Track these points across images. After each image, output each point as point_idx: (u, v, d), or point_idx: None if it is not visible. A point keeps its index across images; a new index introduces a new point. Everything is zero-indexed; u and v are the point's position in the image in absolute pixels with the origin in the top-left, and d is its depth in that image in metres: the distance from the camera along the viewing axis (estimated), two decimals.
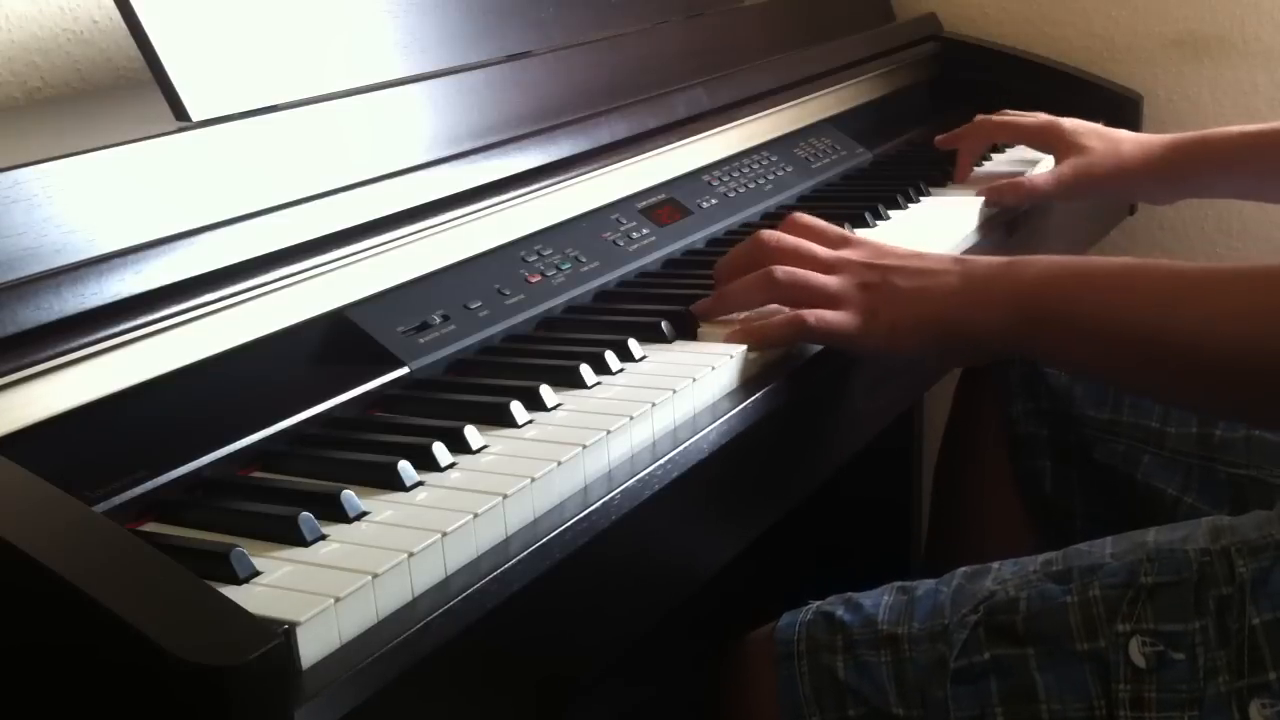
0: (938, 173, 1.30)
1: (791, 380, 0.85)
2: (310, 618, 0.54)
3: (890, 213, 1.17)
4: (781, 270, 0.87)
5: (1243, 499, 1.00)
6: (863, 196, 1.21)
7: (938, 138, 1.33)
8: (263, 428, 0.71)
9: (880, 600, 0.83)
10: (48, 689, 0.53)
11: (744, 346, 0.84)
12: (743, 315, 0.90)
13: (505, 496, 0.64)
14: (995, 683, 0.77)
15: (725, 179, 1.18)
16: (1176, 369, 0.78)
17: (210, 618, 0.50)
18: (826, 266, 0.87)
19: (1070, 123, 1.24)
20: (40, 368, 0.64)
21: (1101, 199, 1.22)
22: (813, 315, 0.85)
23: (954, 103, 1.55)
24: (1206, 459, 1.04)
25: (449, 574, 0.61)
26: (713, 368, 0.81)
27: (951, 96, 1.60)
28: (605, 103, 1.08)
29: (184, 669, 0.48)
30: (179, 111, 0.79)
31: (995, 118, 1.29)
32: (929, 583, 0.84)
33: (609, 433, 0.72)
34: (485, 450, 0.71)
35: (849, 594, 0.85)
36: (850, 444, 0.96)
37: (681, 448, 0.74)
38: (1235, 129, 1.19)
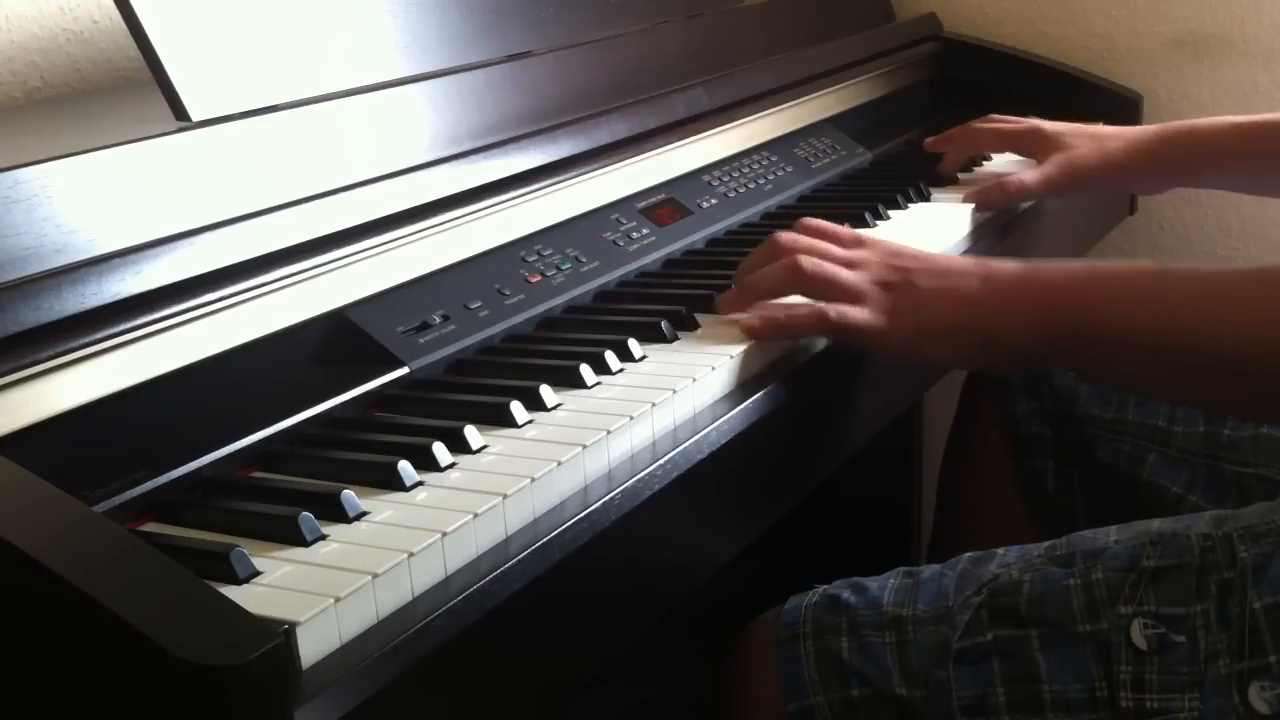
0: (938, 173, 1.30)
1: (791, 380, 0.85)
2: (310, 618, 0.54)
3: (890, 213, 1.17)
4: (808, 261, 0.87)
5: (1248, 497, 1.00)
6: (863, 196, 1.21)
7: (926, 140, 1.33)
8: (263, 428, 0.71)
9: (885, 584, 0.84)
10: (48, 689, 0.53)
11: (744, 346, 0.84)
12: (745, 315, 0.90)
13: (505, 496, 0.64)
14: (997, 664, 0.77)
15: (725, 179, 1.18)
16: (1217, 375, 0.77)
17: (210, 618, 0.50)
18: (846, 265, 0.87)
19: (1054, 125, 1.23)
20: (40, 368, 0.64)
21: (1090, 194, 1.22)
22: (835, 310, 0.85)
23: (954, 103, 1.55)
24: (1213, 457, 1.04)
25: (449, 574, 0.61)
26: (713, 368, 0.81)
27: (951, 96, 1.60)
28: (605, 103, 1.08)
29: (184, 669, 0.48)
30: (179, 111, 0.79)
31: (980, 125, 1.29)
32: (934, 567, 0.84)
33: (609, 433, 0.72)
34: (485, 450, 0.71)
35: (855, 578, 0.85)
36: (850, 444, 0.96)
37: (681, 448, 0.74)
38: (1225, 120, 1.18)
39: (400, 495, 0.66)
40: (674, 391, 0.77)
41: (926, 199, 1.23)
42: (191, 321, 0.71)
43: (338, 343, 0.80)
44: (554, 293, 0.93)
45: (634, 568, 0.73)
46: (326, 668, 0.54)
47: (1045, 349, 0.83)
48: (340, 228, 0.80)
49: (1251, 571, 0.73)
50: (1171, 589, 0.75)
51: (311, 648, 0.54)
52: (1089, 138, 1.21)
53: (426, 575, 0.60)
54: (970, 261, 0.87)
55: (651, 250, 1.03)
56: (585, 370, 0.80)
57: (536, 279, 0.93)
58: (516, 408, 0.74)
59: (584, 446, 0.70)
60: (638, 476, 0.70)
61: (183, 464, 0.67)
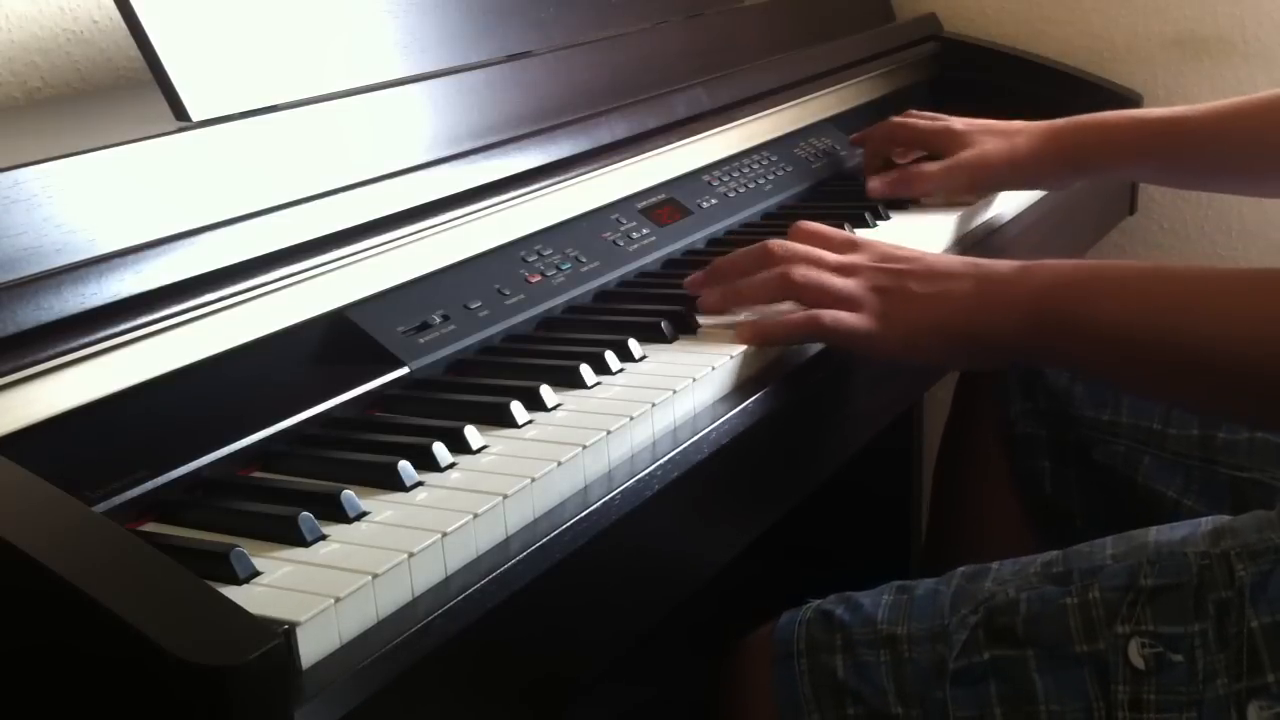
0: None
1: (791, 380, 0.85)
2: (310, 618, 0.54)
3: (890, 213, 1.17)
4: (799, 272, 0.87)
5: (1243, 501, 1.00)
6: (863, 196, 1.21)
7: (852, 136, 1.32)
8: (263, 428, 0.71)
9: (880, 600, 0.83)
10: (48, 689, 0.53)
11: (744, 346, 0.84)
12: (742, 315, 0.90)
13: (505, 497, 0.65)
14: (994, 684, 0.77)
15: (725, 179, 1.18)
16: (1190, 373, 0.77)
17: (210, 617, 0.50)
18: (838, 271, 0.87)
19: (966, 123, 1.21)
20: (40, 368, 0.64)
21: (997, 188, 1.21)
22: (829, 316, 0.85)
23: (954, 103, 1.54)
24: (1208, 461, 1.04)
25: (449, 574, 0.61)
26: (713, 368, 0.81)
27: (951, 96, 1.60)
28: (605, 103, 1.08)
29: (184, 669, 0.48)
30: (179, 111, 0.79)
31: (897, 121, 1.26)
32: (928, 583, 0.84)
33: (609, 433, 0.72)
34: (485, 450, 0.71)
35: (848, 593, 0.85)
36: (850, 444, 0.96)
37: (681, 448, 0.74)
38: (1134, 112, 1.18)
39: (400, 495, 0.66)
40: (674, 392, 0.77)
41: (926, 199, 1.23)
42: (191, 321, 0.71)
43: (338, 343, 0.80)
44: (554, 293, 0.93)
45: (634, 568, 0.73)
46: (327, 668, 0.54)
47: (1035, 346, 0.83)
48: (340, 228, 0.80)
49: (1249, 590, 0.73)
50: (1169, 608, 0.74)
51: (312, 648, 0.54)
52: (999, 135, 1.19)
53: (426, 575, 0.60)
54: (964, 261, 0.87)
55: (651, 250, 1.03)
56: (585, 370, 0.80)
57: (536, 279, 0.93)
58: (516, 408, 0.74)
59: (584, 447, 0.70)
60: (638, 477, 0.71)
61: (183, 464, 0.67)
